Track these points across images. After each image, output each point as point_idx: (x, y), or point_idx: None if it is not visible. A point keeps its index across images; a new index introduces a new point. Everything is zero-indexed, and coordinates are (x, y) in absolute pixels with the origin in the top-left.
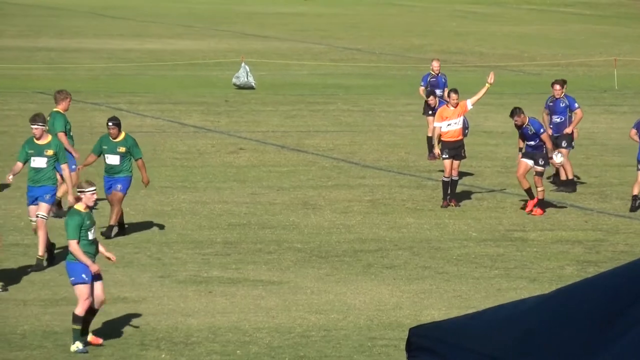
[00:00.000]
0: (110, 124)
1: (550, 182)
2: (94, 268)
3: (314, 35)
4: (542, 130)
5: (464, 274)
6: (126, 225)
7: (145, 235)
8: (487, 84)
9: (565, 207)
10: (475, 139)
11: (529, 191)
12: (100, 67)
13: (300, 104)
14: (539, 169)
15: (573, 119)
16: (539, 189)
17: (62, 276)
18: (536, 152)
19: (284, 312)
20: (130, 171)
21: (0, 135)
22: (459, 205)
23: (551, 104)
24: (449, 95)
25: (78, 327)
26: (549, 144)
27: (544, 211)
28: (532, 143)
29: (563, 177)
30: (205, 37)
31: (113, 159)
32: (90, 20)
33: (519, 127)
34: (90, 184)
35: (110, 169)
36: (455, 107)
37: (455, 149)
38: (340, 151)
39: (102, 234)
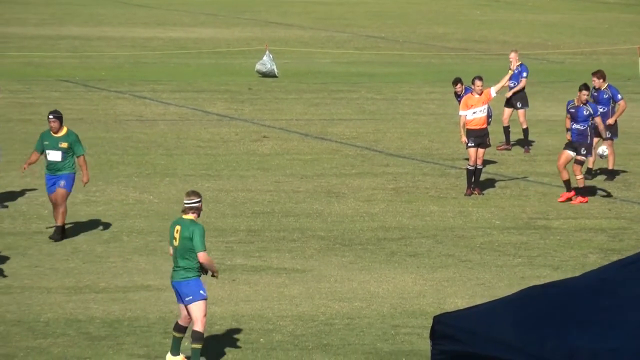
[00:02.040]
0: (50, 116)
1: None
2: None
3: (337, 23)
4: (598, 113)
5: (487, 262)
6: (66, 226)
7: (170, 223)
8: (509, 71)
9: (589, 196)
10: (499, 127)
11: (567, 183)
12: (124, 55)
13: (324, 92)
14: (581, 158)
15: (616, 109)
16: (578, 177)
17: (86, 264)
18: (581, 141)
19: (307, 300)
20: (74, 168)
21: (25, 124)
22: (483, 194)
23: (595, 94)
24: (473, 83)
25: (200, 345)
26: (601, 125)
27: (588, 199)
28: (581, 127)
29: (610, 166)
30: (228, 25)
31: (55, 155)
32: (114, 9)
33: (575, 106)
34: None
35: (52, 166)
36: (480, 94)
37: (480, 137)
38: (364, 139)
39: (50, 237)
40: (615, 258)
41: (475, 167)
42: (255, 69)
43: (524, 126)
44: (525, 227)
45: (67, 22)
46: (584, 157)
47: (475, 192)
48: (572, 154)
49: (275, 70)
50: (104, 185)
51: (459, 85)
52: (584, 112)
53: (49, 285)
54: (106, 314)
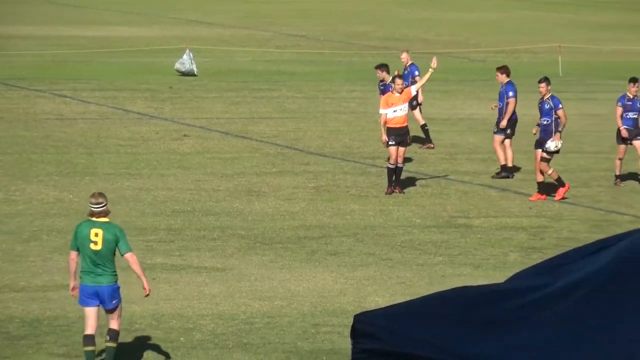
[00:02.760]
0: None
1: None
2: None
3: (259, 22)
4: (560, 107)
5: (408, 261)
6: None
7: None
8: (430, 69)
9: (509, 194)
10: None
11: (558, 180)
12: (48, 53)
13: (245, 90)
14: (545, 155)
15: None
16: (549, 172)
17: (5, 263)
18: (545, 138)
19: (227, 299)
20: None
21: None
22: (404, 193)
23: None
24: (393, 81)
25: (117, 344)
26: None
27: (546, 197)
28: (545, 121)
29: (505, 162)
30: (150, 23)
31: None
32: (38, 7)
33: (540, 99)
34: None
35: None
36: (401, 93)
37: (400, 136)
38: (285, 138)
39: None
40: (535, 256)
41: (396, 166)
42: (175, 68)
43: (422, 123)
44: (446, 226)
45: None
46: (547, 154)
47: (396, 190)
48: (539, 151)
49: (195, 69)
50: (24, 184)
51: (378, 71)
52: (545, 106)
53: None
54: (25, 313)
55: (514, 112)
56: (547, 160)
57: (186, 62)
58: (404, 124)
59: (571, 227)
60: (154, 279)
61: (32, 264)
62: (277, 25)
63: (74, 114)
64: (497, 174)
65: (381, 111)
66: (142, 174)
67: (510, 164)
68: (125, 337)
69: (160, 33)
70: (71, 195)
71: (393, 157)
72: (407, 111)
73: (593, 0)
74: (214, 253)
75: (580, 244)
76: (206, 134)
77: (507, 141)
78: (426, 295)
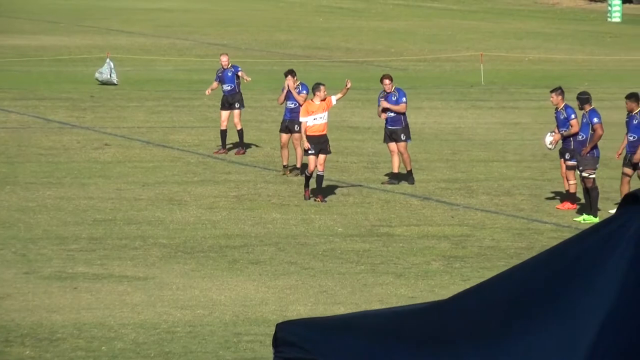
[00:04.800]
0: None
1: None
2: None
3: (179, 31)
4: (573, 117)
5: (330, 270)
6: None
7: (10, 232)
8: (346, 88)
9: (432, 202)
10: (342, 134)
11: (572, 195)
12: None
13: (166, 99)
14: (570, 163)
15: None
16: (571, 182)
17: None
18: (567, 147)
19: (149, 307)
20: None
21: None
22: (325, 201)
23: (382, 97)
24: (317, 89)
25: None
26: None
27: (576, 205)
28: (563, 131)
29: (396, 170)
30: (70, 33)
31: None
32: None
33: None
34: None
35: None
36: (323, 101)
37: (320, 144)
38: (206, 147)
39: None
40: (458, 265)
41: (317, 174)
42: (95, 77)
43: (239, 127)
44: (368, 235)
45: None
46: (572, 162)
47: (318, 199)
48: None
49: (114, 79)
50: None
51: (289, 77)
52: (560, 116)
53: None
54: None
55: (405, 115)
56: (573, 168)
57: (105, 71)
58: (323, 132)
59: (493, 235)
60: (75, 288)
61: None
62: (196, 34)
63: None
64: (389, 180)
65: (301, 119)
66: (64, 182)
67: (409, 168)
68: (47, 347)
69: (80, 42)
70: None
71: (312, 166)
72: (326, 119)
73: (513, 9)
74: (135, 262)
75: (503, 253)
76: (127, 142)
77: (402, 144)
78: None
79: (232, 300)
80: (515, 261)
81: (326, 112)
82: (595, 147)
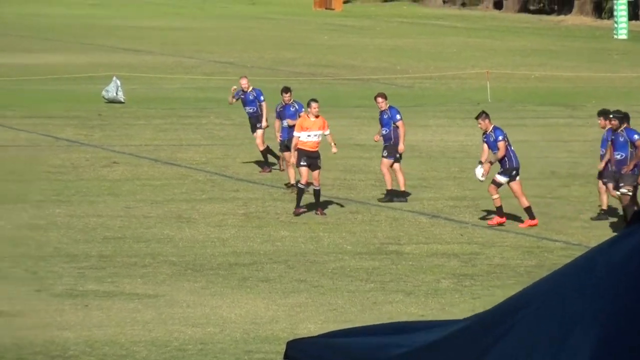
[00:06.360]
0: None
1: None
2: None
3: (186, 49)
4: (500, 138)
5: (339, 288)
6: None
7: (21, 249)
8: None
9: (440, 220)
10: (349, 152)
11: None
12: None
13: (173, 117)
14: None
15: (399, 132)
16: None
17: None
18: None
19: (160, 325)
20: None
21: None
22: (325, 214)
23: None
24: (309, 105)
25: None
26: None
27: (505, 219)
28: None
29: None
30: (77, 51)
31: None
32: None
33: (483, 133)
34: None
35: None
36: (317, 117)
37: (312, 158)
38: (214, 164)
39: None
40: (468, 283)
41: (314, 189)
42: (102, 95)
43: (262, 148)
44: (377, 252)
45: None
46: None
47: (318, 212)
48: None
49: (121, 97)
50: None
51: (287, 94)
52: (490, 139)
53: None
54: None
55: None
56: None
57: (111, 89)
58: (316, 149)
59: (503, 253)
60: (86, 305)
61: None
62: (203, 52)
63: (4, 141)
64: (384, 198)
65: (295, 134)
66: (73, 200)
67: (402, 188)
68: None
69: (87, 60)
70: (2, 222)
71: (304, 177)
72: (320, 138)
73: (519, 26)
74: (145, 279)
75: (513, 271)
76: (135, 160)
77: (396, 165)
78: (362, 326)
79: (242, 318)
80: (526, 279)
81: (321, 132)
82: (637, 164)
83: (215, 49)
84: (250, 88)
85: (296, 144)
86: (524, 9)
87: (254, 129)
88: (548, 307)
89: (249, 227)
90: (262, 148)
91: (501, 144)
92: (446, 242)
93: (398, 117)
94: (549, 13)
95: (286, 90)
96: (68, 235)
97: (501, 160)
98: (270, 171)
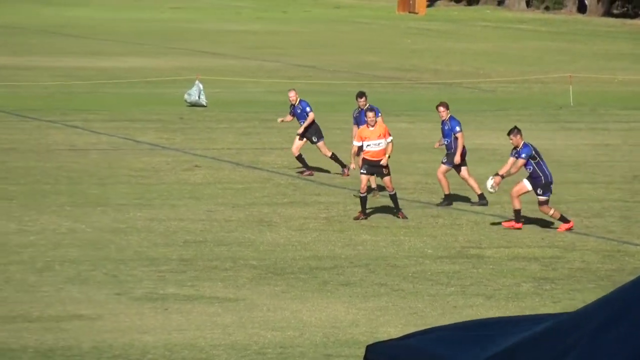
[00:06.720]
0: None
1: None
2: None
3: (268, 52)
4: (523, 155)
5: (420, 291)
6: None
7: (102, 253)
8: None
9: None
10: (431, 156)
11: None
12: (55, 85)
13: (255, 121)
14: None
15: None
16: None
17: (19, 293)
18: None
19: (240, 329)
20: None
21: None
22: (407, 217)
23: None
24: (365, 115)
25: None
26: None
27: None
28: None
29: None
30: (159, 54)
31: None
32: (44, 39)
33: (513, 148)
34: None
35: None
36: (374, 126)
37: (374, 167)
38: (296, 168)
39: None
40: (548, 287)
41: (389, 195)
42: (184, 99)
43: (329, 154)
44: (458, 256)
45: None
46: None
47: (399, 216)
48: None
49: (203, 101)
50: (37, 214)
51: (363, 99)
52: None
53: None
54: (39, 343)
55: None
56: None
57: (193, 93)
58: (379, 158)
59: (584, 257)
60: (166, 309)
61: (45, 294)
62: (285, 56)
63: (86, 144)
64: (442, 202)
65: (354, 143)
66: (154, 204)
67: (478, 192)
68: None
69: (169, 64)
70: (84, 226)
71: (363, 185)
72: (383, 146)
73: (602, 30)
74: (226, 283)
75: (593, 275)
76: (217, 164)
77: (464, 172)
78: (438, 326)
79: (322, 322)
80: (606, 283)
81: (381, 140)
82: None
83: (297, 53)
84: (298, 101)
85: (354, 152)
86: (607, 12)
87: (311, 138)
88: None
89: (330, 230)
90: (329, 153)
91: (519, 162)
92: (527, 245)
93: (457, 129)
94: (632, 17)
95: (361, 95)
96: (149, 239)
97: (535, 177)
98: (311, 174)
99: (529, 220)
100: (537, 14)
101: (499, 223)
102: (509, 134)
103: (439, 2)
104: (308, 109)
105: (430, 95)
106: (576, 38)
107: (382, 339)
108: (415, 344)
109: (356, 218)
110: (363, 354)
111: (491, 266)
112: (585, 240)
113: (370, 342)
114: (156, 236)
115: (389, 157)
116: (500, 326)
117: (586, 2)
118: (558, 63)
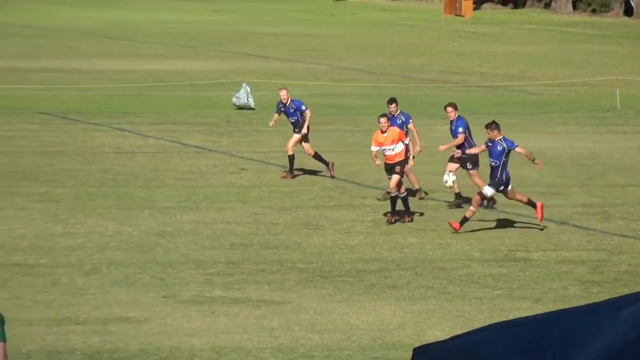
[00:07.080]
0: None
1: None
2: None
3: (314, 55)
4: (515, 145)
5: (467, 294)
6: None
7: (149, 255)
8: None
9: (568, 227)
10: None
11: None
12: (100, 87)
13: None
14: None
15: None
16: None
17: (66, 296)
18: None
19: (287, 332)
20: None
21: (6, 156)
22: (412, 221)
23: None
24: (378, 120)
25: None
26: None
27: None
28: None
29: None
30: (205, 57)
31: None
32: (88, 41)
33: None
34: None
35: None
36: (386, 131)
37: (388, 170)
38: (342, 171)
39: None
40: (595, 290)
41: (397, 195)
42: (232, 102)
43: (312, 153)
44: (505, 259)
45: (41, 55)
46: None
47: (405, 219)
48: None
49: (251, 103)
50: (83, 217)
51: (393, 105)
52: (498, 147)
53: (29, 317)
54: (86, 346)
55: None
56: None
57: (242, 96)
58: (393, 162)
59: (631, 260)
60: (213, 312)
61: (92, 297)
62: (331, 58)
63: (132, 147)
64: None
65: (372, 148)
66: (201, 207)
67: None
68: None
69: (215, 67)
70: (130, 229)
71: (392, 185)
72: (398, 150)
73: None
74: (272, 286)
75: None
76: (264, 167)
77: (473, 171)
78: (483, 327)
79: (369, 325)
80: None
81: (395, 145)
82: None
83: (344, 56)
84: (289, 100)
85: (374, 155)
86: None
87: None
88: None
89: (377, 233)
90: (290, 153)
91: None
92: (574, 249)
93: (460, 129)
94: None
95: (391, 101)
96: (195, 242)
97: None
98: (293, 177)
99: (575, 225)
100: (583, 17)
101: (545, 227)
102: (487, 127)
103: (485, 5)
104: (303, 107)
105: (477, 98)
106: (622, 41)
107: (429, 342)
108: (462, 344)
109: (388, 222)
110: (410, 356)
111: (538, 269)
112: (633, 243)
113: (417, 345)
114: (203, 239)
115: (413, 157)
116: (550, 322)
117: (632, 5)
118: (604, 66)
